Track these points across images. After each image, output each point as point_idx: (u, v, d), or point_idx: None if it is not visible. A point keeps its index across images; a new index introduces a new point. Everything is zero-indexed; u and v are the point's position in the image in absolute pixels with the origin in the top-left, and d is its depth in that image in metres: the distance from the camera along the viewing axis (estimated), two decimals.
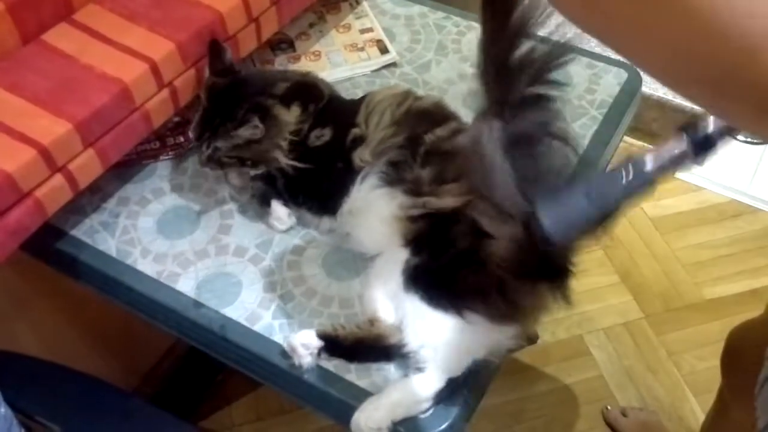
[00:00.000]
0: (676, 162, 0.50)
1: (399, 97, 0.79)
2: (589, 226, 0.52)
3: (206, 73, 0.80)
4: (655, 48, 0.31)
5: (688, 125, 0.50)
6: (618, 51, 0.34)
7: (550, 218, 0.51)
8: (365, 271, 0.74)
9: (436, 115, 0.79)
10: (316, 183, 0.77)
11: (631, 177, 0.50)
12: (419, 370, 0.65)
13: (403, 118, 0.77)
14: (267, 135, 0.75)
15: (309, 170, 0.76)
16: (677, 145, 0.50)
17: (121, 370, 1.27)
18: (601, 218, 0.51)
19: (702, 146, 0.49)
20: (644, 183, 0.50)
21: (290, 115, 0.77)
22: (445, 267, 0.66)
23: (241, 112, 0.74)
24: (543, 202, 0.53)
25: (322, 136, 0.77)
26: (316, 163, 0.76)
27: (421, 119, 0.77)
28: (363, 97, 0.80)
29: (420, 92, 0.94)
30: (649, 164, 0.50)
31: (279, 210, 0.77)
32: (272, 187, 0.78)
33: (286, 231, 0.79)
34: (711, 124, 0.49)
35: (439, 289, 0.66)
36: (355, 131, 0.76)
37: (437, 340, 0.65)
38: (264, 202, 0.79)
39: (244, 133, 0.74)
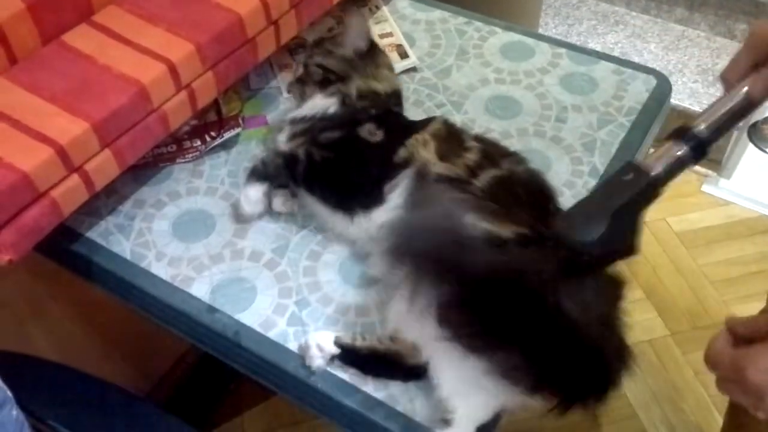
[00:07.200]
0: (680, 165, 0.53)
1: (457, 135, 0.76)
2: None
3: (227, 75, 0.79)
4: None
5: (682, 131, 0.54)
6: None
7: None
8: (382, 280, 0.72)
9: (495, 152, 0.74)
10: (339, 177, 0.74)
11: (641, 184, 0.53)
12: (446, 422, 0.60)
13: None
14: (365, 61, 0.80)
15: (338, 161, 0.74)
16: (676, 149, 0.53)
17: (133, 375, 1.26)
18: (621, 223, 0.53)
19: (698, 149, 0.53)
20: (654, 187, 0.53)
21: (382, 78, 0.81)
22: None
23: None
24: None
25: (374, 135, 0.75)
26: (351, 157, 0.74)
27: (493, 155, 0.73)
28: (424, 121, 0.78)
29: (440, 97, 0.92)
30: (658, 168, 0.53)
31: (251, 192, 0.76)
32: (289, 170, 0.75)
33: (257, 216, 0.78)
34: (702, 126, 0.53)
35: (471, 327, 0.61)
36: (408, 149, 0.72)
37: (468, 387, 0.59)
38: (249, 179, 0.77)
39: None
